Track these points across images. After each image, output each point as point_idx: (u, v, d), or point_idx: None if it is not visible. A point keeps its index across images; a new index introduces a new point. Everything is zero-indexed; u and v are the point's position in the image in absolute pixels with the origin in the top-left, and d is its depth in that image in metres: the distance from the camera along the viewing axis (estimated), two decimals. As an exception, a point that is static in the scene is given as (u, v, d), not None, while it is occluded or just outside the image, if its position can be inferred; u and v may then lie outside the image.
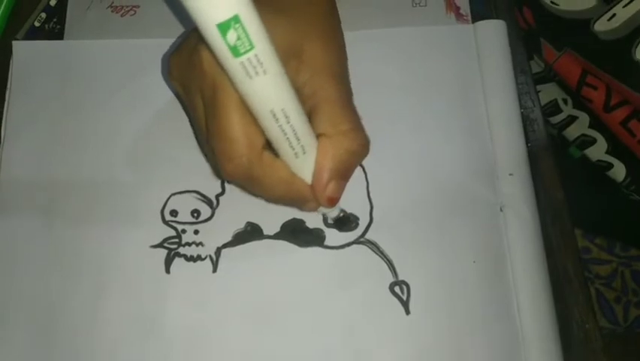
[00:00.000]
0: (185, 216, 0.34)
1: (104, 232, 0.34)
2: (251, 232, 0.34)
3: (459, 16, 0.38)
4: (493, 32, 0.37)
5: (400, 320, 0.32)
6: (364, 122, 0.29)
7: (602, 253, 0.61)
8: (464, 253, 0.33)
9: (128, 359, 0.32)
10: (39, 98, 0.37)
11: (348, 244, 0.34)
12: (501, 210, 0.34)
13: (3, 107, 0.37)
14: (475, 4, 0.39)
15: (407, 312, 0.32)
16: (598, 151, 0.51)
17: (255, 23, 0.22)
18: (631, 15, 0.42)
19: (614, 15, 0.42)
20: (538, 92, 0.39)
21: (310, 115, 0.28)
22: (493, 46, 0.37)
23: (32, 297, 0.33)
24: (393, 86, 0.37)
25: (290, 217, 0.34)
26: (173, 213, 0.34)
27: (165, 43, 0.38)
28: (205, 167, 0.35)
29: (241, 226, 0.34)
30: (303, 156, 0.27)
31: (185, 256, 0.34)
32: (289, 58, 0.27)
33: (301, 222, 0.34)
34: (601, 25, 0.43)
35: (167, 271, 0.33)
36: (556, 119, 0.52)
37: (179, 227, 0.34)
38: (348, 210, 0.33)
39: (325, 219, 0.34)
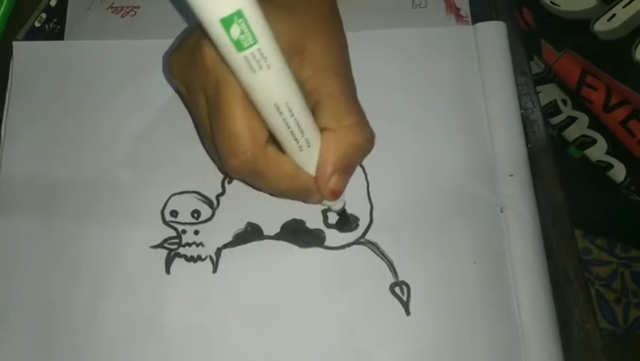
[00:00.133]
0: (185, 216, 0.34)
1: (104, 232, 0.34)
2: (251, 233, 0.34)
3: (459, 18, 0.38)
4: (493, 33, 0.37)
5: (400, 321, 0.32)
6: (365, 123, 0.29)
7: (602, 253, 0.61)
8: (464, 254, 0.33)
9: (128, 359, 0.32)
10: (39, 98, 0.37)
11: (349, 245, 0.34)
12: (501, 210, 0.34)
13: (3, 108, 0.37)
14: (475, 5, 0.39)
15: (407, 313, 0.32)
16: (598, 152, 0.51)
17: (258, 18, 0.22)
18: (631, 15, 0.42)
19: (613, 15, 0.42)
20: (538, 93, 0.39)
21: (314, 110, 0.28)
22: (493, 47, 0.37)
23: (32, 297, 0.33)
24: (394, 86, 0.37)
25: (290, 218, 0.34)
26: (174, 213, 0.34)
27: (165, 44, 0.38)
28: (205, 167, 0.35)
29: (241, 226, 0.34)
30: (307, 150, 0.27)
31: (185, 257, 0.34)
32: (292, 55, 0.27)
33: (301, 222, 0.34)
34: (601, 26, 0.43)
35: (168, 271, 0.33)
36: (556, 120, 0.52)
37: (180, 227, 0.34)
38: (349, 211, 0.33)
39: (325, 220, 0.34)
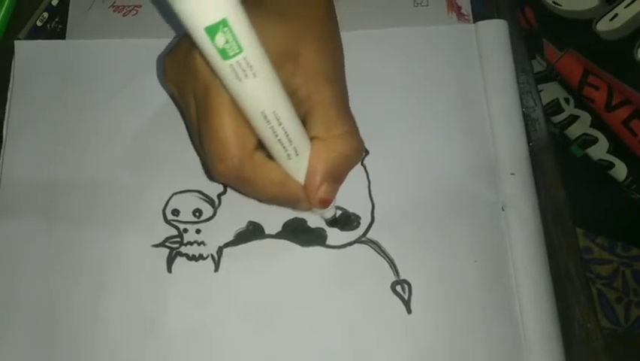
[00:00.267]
0: (187, 215, 0.34)
1: (105, 232, 0.34)
2: (252, 231, 0.34)
3: (460, 16, 0.38)
4: (495, 32, 0.37)
5: (401, 319, 0.32)
6: (365, 122, 0.29)
7: (603, 252, 0.61)
8: (466, 253, 0.33)
9: (128, 359, 0.32)
10: (40, 98, 0.37)
11: (350, 244, 0.34)
12: (502, 209, 0.34)
13: (5, 108, 0.37)
14: (477, 4, 0.38)
15: (409, 311, 0.32)
16: (599, 150, 0.51)
17: (244, 27, 0.22)
18: (633, 15, 0.42)
19: (616, 15, 0.42)
20: (540, 91, 0.39)
21: (305, 118, 0.28)
22: (495, 46, 0.37)
23: (32, 297, 0.33)
24: (394, 85, 0.37)
25: (292, 217, 0.34)
26: (175, 212, 0.34)
27: (167, 43, 0.38)
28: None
29: (243, 225, 0.34)
30: (295, 158, 0.27)
31: (186, 256, 0.34)
32: (285, 61, 0.27)
33: (303, 221, 0.34)
34: (603, 25, 0.43)
35: (169, 270, 0.33)
36: (558, 118, 0.52)
37: (181, 226, 0.34)
38: (350, 210, 0.33)
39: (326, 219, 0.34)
